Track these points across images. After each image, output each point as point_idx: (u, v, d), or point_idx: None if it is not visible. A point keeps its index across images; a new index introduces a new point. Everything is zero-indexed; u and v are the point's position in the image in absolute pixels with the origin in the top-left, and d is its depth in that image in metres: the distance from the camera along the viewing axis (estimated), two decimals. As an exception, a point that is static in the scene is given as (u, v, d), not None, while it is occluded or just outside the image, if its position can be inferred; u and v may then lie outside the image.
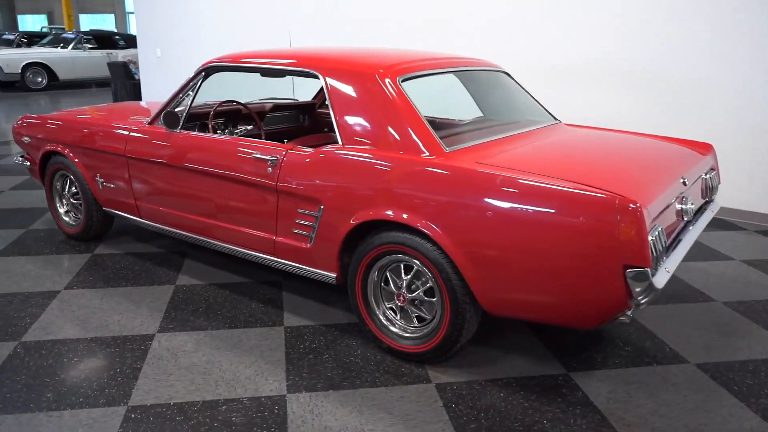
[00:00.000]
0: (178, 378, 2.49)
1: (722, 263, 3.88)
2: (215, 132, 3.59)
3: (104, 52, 14.35)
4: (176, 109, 3.37)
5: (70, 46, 14.19)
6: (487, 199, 2.25)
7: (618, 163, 2.56)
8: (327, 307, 3.15)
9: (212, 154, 3.05)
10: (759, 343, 2.87)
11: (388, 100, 2.60)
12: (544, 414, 2.30)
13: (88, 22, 34.83)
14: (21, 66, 13.30)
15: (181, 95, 3.31)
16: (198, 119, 3.65)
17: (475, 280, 2.33)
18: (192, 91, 3.26)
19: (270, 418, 2.25)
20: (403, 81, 2.67)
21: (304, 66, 2.87)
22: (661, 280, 2.13)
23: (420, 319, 2.63)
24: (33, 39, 15.77)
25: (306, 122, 4.31)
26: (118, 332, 2.85)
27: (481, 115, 3.71)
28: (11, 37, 15.82)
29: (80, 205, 3.93)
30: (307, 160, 2.72)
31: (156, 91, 8.91)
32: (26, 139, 4.10)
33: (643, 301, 2.09)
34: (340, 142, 2.68)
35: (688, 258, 3.95)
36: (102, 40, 14.80)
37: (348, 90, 2.70)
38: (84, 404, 2.30)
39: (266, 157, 2.83)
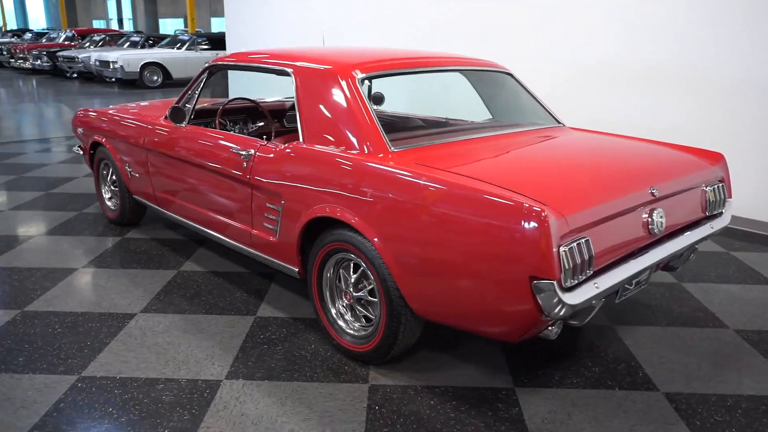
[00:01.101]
0: (136, 355, 2.66)
1: (759, 288, 3.48)
2: (223, 128, 3.76)
3: (215, 52, 15.35)
4: (188, 105, 3.58)
5: (184, 47, 15.35)
6: (407, 198, 2.21)
7: (573, 169, 2.41)
8: (304, 300, 3.22)
9: (203, 147, 3.21)
10: (754, 378, 2.57)
11: (343, 98, 2.61)
12: (466, 427, 2.21)
13: (220, 24, 37.39)
14: (140, 65, 14.58)
15: (190, 92, 3.52)
16: (214, 116, 3.84)
17: (402, 281, 2.28)
18: (198, 88, 3.45)
19: (196, 400, 2.35)
20: (362, 80, 2.67)
21: (279, 65, 2.95)
22: (580, 296, 1.97)
23: (368, 318, 2.62)
24: (158, 41, 17.21)
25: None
26: (106, 309, 3.09)
27: (490, 116, 3.60)
28: (137, 39, 17.38)
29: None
30: (272, 155, 2.80)
31: (241, 87, 9.43)
32: (80, 130, 4.53)
33: (559, 315, 1.96)
34: (301, 139, 2.74)
35: (719, 279, 3.58)
36: (215, 41, 15.85)
37: (311, 88, 2.74)
38: (45, 370, 2.53)
39: (242, 152, 2.95)
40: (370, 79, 2.71)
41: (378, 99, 4.41)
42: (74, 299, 3.20)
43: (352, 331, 2.64)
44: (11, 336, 2.81)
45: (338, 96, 2.63)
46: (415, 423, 2.23)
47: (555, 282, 1.89)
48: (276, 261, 2.92)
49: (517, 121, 3.34)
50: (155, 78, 14.87)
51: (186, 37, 15.81)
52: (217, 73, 3.45)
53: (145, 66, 14.68)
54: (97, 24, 45.92)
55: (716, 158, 2.86)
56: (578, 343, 2.83)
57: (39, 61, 18.12)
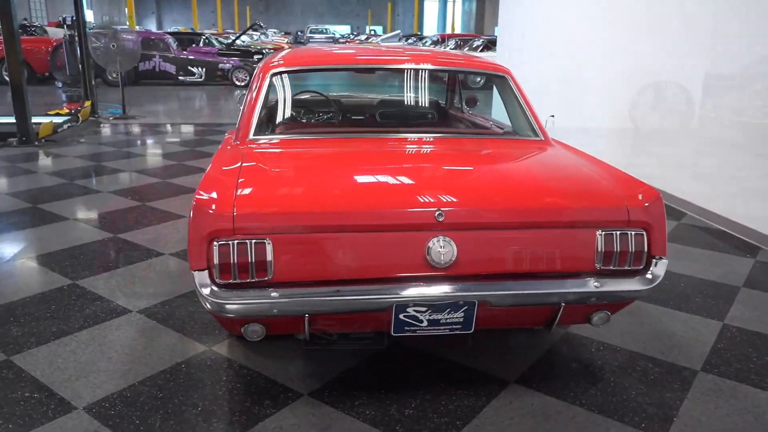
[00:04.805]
0: (97, 278, 3.37)
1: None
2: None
3: (490, 53, 15.55)
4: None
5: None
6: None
7: (363, 177, 2.33)
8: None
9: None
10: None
11: (253, 91, 2.82)
12: (203, 402, 2.30)
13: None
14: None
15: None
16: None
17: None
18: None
19: (66, 319, 2.91)
20: (273, 75, 2.84)
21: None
22: (239, 298, 1.91)
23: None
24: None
25: (436, 120, 4.33)
26: (147, 245, 3.90)
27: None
28: (451, 44, 18.90)
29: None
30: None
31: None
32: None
33: (223, 312, 1.95)
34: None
35: (722, 373, 2.52)
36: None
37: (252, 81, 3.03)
38: (60, 271, 3.44)
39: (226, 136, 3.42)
40: (281, 74, 2.91)
41: (471, 101, 4.28)
42: (144, 236, 4.09)
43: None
44: (95, 246, 3.87)
45: (253, 89, 2.86)
46: (183, 386, 2.41)
47: (197, 273, 1.90)
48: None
49: (509, 129, 3.06)
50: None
51: (478, 42, 16.72)
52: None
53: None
54: (496, 30, 50.06)
55: (635, 199, 2.11)
56: (441, 384, 2.48)
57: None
